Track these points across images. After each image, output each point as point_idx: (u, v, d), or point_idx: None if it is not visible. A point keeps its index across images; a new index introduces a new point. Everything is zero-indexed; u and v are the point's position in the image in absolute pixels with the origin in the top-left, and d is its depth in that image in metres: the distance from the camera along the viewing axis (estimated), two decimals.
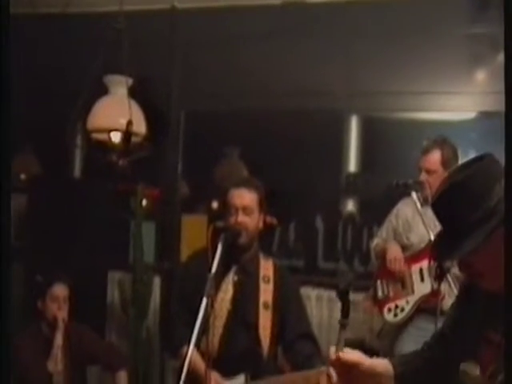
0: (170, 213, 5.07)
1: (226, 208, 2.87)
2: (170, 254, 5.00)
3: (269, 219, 3.32)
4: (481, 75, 4.23)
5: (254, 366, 2.74)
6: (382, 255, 3.59)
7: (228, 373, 2.73)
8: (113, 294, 5.09)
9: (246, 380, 2.72)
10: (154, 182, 5.25)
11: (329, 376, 2.49)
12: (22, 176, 6.61)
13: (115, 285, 5.07)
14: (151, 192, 5.64)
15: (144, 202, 5.26)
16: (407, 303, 3.50)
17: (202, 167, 5.34)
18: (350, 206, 4.79)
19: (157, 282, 5.00)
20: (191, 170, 5.27)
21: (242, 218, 2.82)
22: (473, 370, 1.50)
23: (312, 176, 4.93)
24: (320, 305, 4.45)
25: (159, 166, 5.12)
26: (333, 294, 4.49)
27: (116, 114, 3.99)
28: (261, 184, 2.95)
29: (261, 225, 2.91)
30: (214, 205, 5.87)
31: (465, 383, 1.49)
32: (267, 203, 2.95)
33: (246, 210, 2.83)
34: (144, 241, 4.90)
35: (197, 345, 2.53)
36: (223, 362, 2.72)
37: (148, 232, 5.11)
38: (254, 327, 2.78)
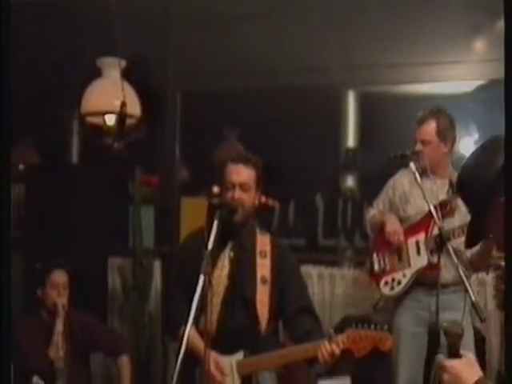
0: (168, 196, 5.03)
1: (223, 183, 2.82)
2: (170, 237, 4.97)
3: (270, 202, 3.28)
4: (480, 44, 4.17)
5: (252, 342, 2.70)
6: (379, 227, 3.55)
7: (227, 350, 2.69)
8: (113, 280, 5.06)
9: (245, 356, 2.68)
10: (151, 167, 5.20)
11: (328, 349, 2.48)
12: (21, 166, 6.59)
13: (115, 270, 5.04)
14: (150, 179, 5.61)
15: (143, 191, 5.22)
16: (404, 276, 3.46)
17: (200, 150, 5.29)
18: (350, 181, 4.74)
19: (157, 266, 4.97)
20: (189, 154, 5.22)
21: (238, 194, 2.77)
22: None
23: (311, 153, 4.88)
24: (322, 282, 4.43)
25: (157, 150, 5.08)
26: (334, 270, 4.48)
27: (110, 97, 3.96)
28: (258, 160, 2.89)
29: (257, 201, 2.87)
30: (215, 189, 5.82)
31: None
32: (264, 180, 2.90)
33: (243, 187, 2.79)
34: (143, 225, 4.87)
35: (195, 323, 2.50)
36: (222, 339, 2.67)
37: (147, 216, 5.08)
38: (252, 302, 2.73)
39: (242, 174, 2.80)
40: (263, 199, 2.99)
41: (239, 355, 2.69)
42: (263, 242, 2.87)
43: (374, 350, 2.46)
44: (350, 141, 4.80)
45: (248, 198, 2.80)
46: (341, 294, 4.40)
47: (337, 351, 2.49)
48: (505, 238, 1.36)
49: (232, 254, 2.81)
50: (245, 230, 2.85)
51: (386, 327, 2.47)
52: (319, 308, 3.61)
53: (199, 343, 2.59)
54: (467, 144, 4.63)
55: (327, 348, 2.49)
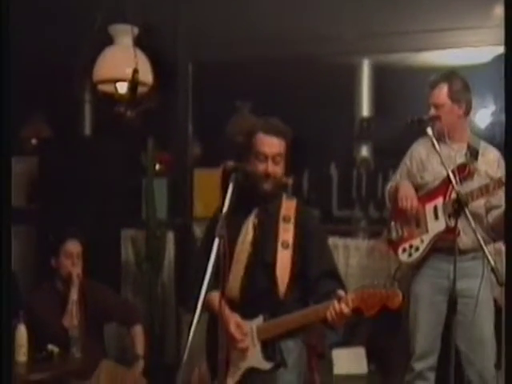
0: (181, 168, 5.01)
1: (252, 152, 2.75)
2: (184, 208, 4.96)
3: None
4: (499, 8, 4.08)
5: (271, 307, 2.67)
6: (395, 195, 3.51)
7: (248, 315, 2.67)
8: (127, 251, 5.08)
9: (265, 321, 2.65)
10: (164, 139, 5.17)
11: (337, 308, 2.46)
12: (34, 140, 6.62)
13: (129, 242, 5.06)
14: (163, 157, 5.59)
15: (157, 167, 5.20)
16: (422, 242, 3.41)
17: (213, 121, 5.24)
18: (364, 151, 4.70)
19: (170, 237, 4.98)
20: (202, 125, 5.18)
21: (271, 167, 2.73)
22: None
23: (325, 123, 4.84)
24: (336, 253, 4.40)
25: (169, 122, 5.05)
26: (348, 241, 4.45)
27: (122, 64, 3.91)
28: (288, 129, 2.83)
29: (287, 171, 2.82)
30: (229, 164, 5.78)
31: None
32: (293, 149, 2.84)
33: (275, 159, 2.73)
34: (156, 196, 4.87)
35: (220, 289, 2.47)
36: (244, 305, 2.67)
37: (160, 187, 5.07)
38: (272, 267, 2.69)
39: (275, 146, 2.73)
40: None
41: (259, 320, 2.68)
42: (288, 207, 2.83)
43: (383, 308, 2.44)
44: (365, 110, 4.75)
45: (279, 170, 2.76)
46: (355, 265, 4.39)
47: (345, 310, 2.47)
48: (505, 236, 1.32)
49: (256, 221, 2.78)
50: (271, 197, 2.81)
51: (395, 284, 2.46)
52: None
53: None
54: (485, 114, 4.57)
55: (336, 307, 2.48)
